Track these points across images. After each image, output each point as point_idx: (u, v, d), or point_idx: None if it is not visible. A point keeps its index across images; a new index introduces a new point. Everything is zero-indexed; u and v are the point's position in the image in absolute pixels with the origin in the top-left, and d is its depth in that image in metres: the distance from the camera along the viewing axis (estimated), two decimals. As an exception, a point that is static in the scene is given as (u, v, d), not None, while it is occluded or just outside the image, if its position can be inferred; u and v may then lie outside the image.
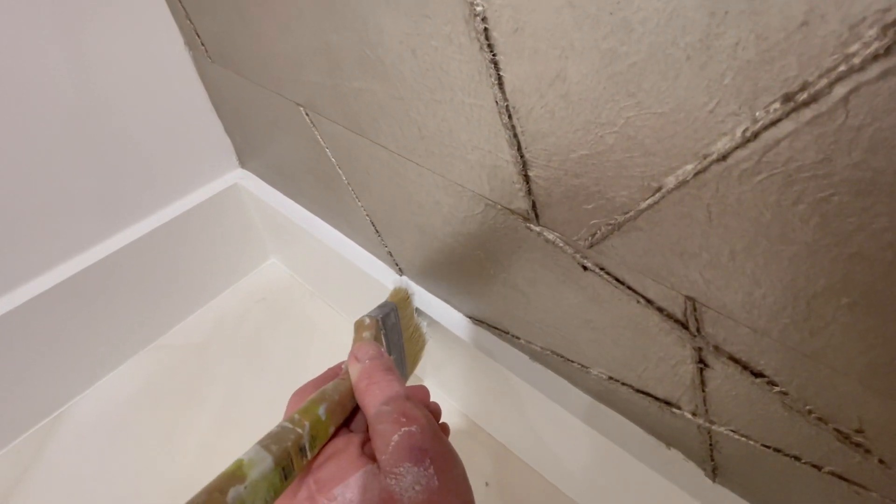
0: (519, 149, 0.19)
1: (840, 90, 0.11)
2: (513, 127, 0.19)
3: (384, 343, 0.26)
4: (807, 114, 0.12)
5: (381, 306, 0.29)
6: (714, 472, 0.25)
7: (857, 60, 0.10)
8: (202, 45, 0.35)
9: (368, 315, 0.27)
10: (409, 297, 0.33)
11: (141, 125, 0.38)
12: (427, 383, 0.41)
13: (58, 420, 0.41)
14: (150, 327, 0.46)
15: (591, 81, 0.15)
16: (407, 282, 0.35)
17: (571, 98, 0.16)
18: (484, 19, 0.17)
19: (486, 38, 0.17)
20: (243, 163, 0.46)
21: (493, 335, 0.32)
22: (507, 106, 0.18)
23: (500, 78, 0.18)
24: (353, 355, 0.21)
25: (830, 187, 0.13)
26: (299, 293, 0.50)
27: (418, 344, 0.32)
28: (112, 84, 0.35)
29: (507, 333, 0.30)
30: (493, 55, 0.17)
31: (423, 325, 0.33)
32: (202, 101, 0.41)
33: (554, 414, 0.29)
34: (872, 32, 0.10)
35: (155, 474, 0.38)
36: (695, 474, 0.25)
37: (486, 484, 0.36)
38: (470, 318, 0.33)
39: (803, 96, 0.12)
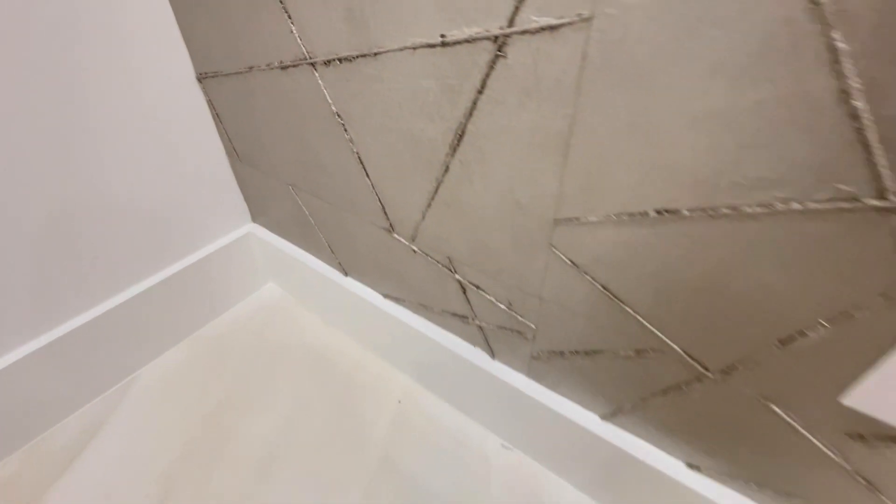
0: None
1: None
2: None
3: None
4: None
5: None
6: (493, 353, 0.50)
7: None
8: (235, 151, 0.64)
9: None
10: None
11: (191, 199, 0.65)
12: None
13: (128, 385, 0.64)
14: (185, 327, 0.70)
15: (393, 175, 0.43)
16: None
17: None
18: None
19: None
20: (254, 219, 0.73)
21: (401, 307, 0.57)
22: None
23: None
24: None
25: (457, 207, 0.40)
26: (291, 305, 0.76)
27: None
28: (174, 174, 0.63)
29: (397, 299, 0.56)
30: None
31: None
32: (233, 183, 0.68)
33: (405, 330, 0.54)
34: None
35: (193, 408, 0.60)
36: (482, 356, 0.50)
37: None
38: (384, 296, 0.58)
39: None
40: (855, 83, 0.19)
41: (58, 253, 0.53)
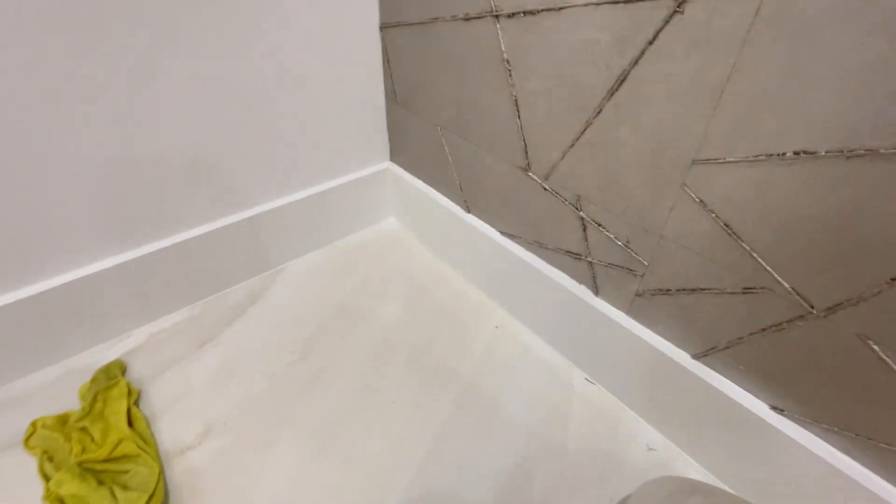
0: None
1: (595, 121, 0.46)
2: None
3: None
4: (590, 127, 0.46)
5: None
6: (597, 290, 0.56)
7: (595, 113, 0.45)
8: (394, 94, 0.75)
9: None
10: None
11: (347, 132, 0.77)
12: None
13: (279, 272, 0.79)
14: (323, 237, 0.83)
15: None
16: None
17: (540, 122, 0.52)
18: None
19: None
20: (392, 157, 0.85)
21: (516, 243, 0.65)
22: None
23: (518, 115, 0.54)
24: None
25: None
26: (407, 238, 0.87)
27: None
28: (338, 109, 0.75)
29: (513, 236, 0.64)
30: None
31: None
32: (384, 123, 0.80)
33: (515, 263, 0.62)
34: (596, 107, 0.45)
35: (327, 298, 0.73)
36: (586, 292, 0.57)
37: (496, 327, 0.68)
38: (501, 233, 0.67)
39: (588, 122, 0.46)
40: None
41: (248, 155, 0.67)
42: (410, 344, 0.66)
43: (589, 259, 0.55)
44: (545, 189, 0.56)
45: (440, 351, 0.65)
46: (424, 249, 0.84)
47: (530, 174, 0.57)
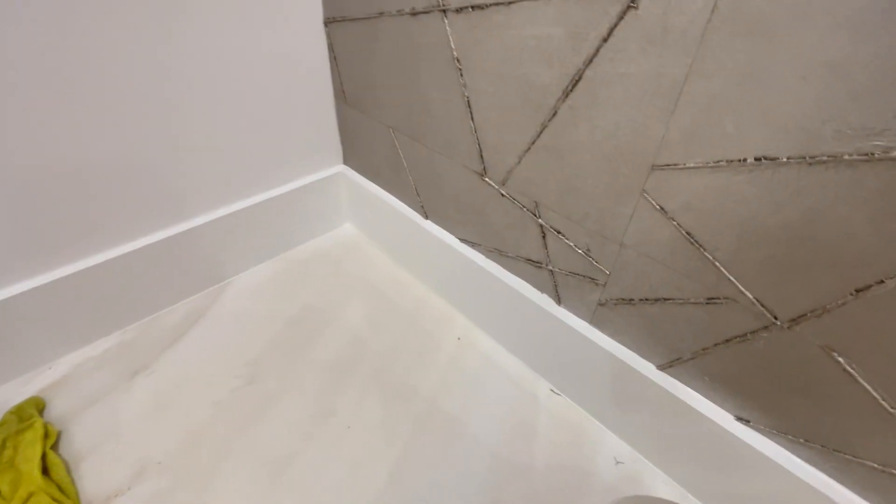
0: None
1: (550, 123, 0.43)
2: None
3: None
4: (545, 129, 0.44)
5: None
6: (559, 300, 0.54)
7: (550, 116, 0.42)
8: (343, 94, 0.70)
9: None
10: None
11: (295, 135, 0.72)
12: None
13: (224, 287, 0.73)
14: (273, 248, 0.78)
15: (499, 119, 0.48)
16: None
17: (494, 125, 0.49)
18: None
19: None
20: (345, 160, 0.80)
21: (475, 250, 0.62)
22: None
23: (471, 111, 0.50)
24: None
25: (556, 151, 0.44)
26: (365, 244, 0.82)
27: None
28: (284, 111, 0.70)
29: (472, 243, 0.61)
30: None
31: None
32: (334, 124, 0.75)
33: (476, 272, 0.59)
34: (551, 109, 0.42)
35: (277, 314, 0.68)
36: (548, 301, 0.54)
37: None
38: (461, 240, 0.63)
39: (544, 125, 0.43)
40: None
41: (185, 161, 0.61)
42: (369, 360, 0.62)
43: (550, 267, 0.52)
44: (502, 195, 0.53)
45: (401, 366, 0.61)
46: (384, 257, 0.80)
47: (486, 179, 0.53)
